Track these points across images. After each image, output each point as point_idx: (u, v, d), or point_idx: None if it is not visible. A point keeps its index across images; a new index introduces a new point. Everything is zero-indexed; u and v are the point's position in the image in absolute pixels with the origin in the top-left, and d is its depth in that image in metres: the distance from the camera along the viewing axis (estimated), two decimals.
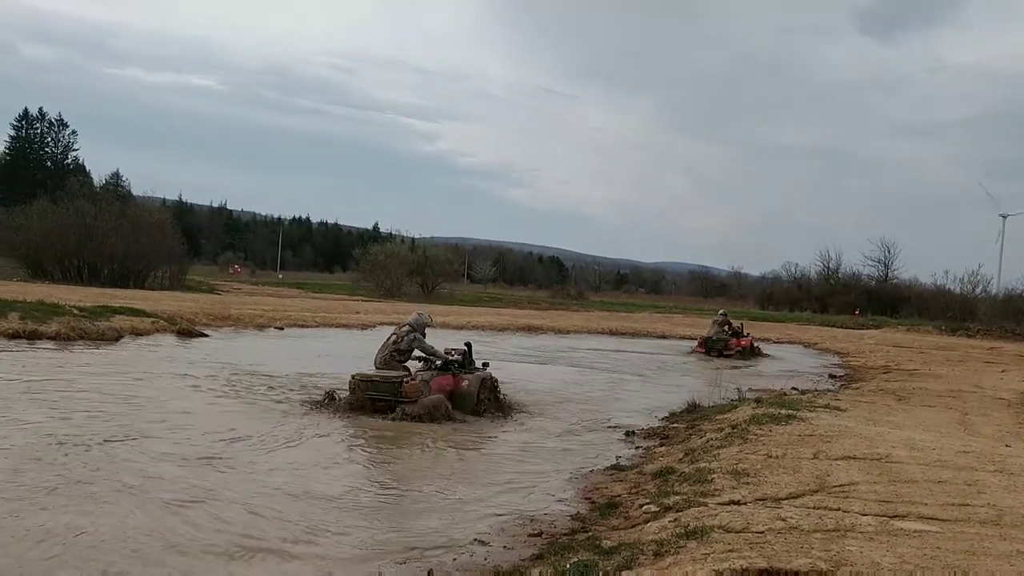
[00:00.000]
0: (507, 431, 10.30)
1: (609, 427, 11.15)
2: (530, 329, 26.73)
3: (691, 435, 9.87)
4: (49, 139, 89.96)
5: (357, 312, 26.30)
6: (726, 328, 25.52)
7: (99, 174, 78.58)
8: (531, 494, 7.35)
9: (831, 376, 20.51)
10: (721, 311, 28.18)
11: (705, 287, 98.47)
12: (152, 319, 16.80)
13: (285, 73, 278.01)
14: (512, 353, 18.71)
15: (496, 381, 11.73)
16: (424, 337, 11.15)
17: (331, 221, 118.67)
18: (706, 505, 6.18)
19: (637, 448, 9.71)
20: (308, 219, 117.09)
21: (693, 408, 12.10)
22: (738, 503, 6.25)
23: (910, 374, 21.23)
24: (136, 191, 75.04)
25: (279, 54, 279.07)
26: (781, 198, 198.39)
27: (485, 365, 11.87)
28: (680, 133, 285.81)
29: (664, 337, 30.92)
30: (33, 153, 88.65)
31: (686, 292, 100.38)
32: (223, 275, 65.44)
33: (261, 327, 19.56)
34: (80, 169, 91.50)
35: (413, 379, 10.61)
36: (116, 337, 14.91)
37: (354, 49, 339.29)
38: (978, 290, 59.11)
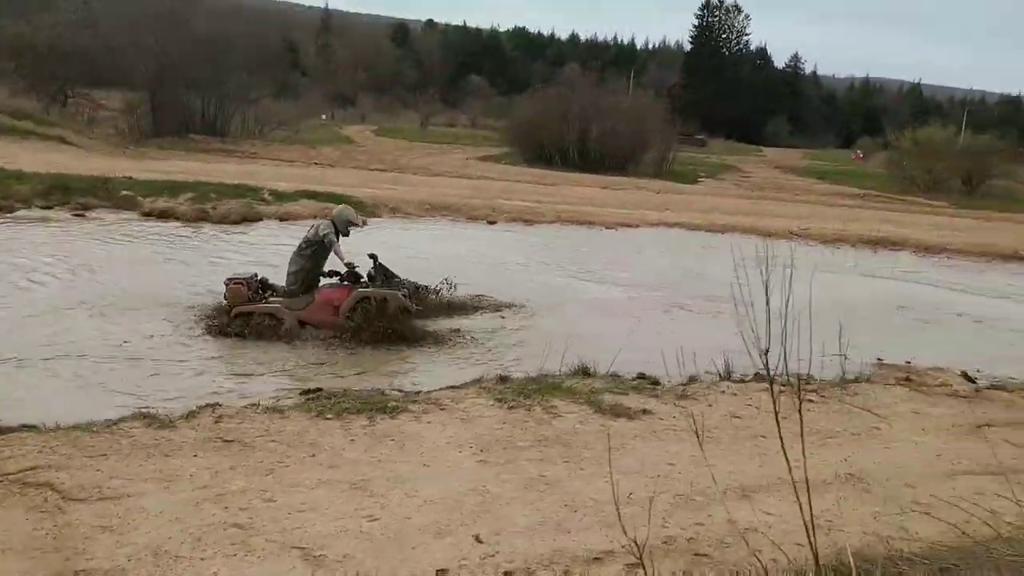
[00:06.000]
0: None
1: None
2: None
3: None
4: (726, 25, 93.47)
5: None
6: None
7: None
8: None
9: None
10: None
11: None
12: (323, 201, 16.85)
13: None
14: None
15: None
16: None
17: None
18: None
19: None
20: None
21: None
22: None
23: None
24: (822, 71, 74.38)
25: None
26: None
27: None
28: None
29: None
30: (712, 40, 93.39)
31: None
32: (840, 159, 60.36)
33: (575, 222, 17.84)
34: (761, 52, 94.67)
35: None
36: (238, 220, 15.72)
37: None
38: None
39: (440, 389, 7.18)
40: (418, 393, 7.17)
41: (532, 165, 33.56)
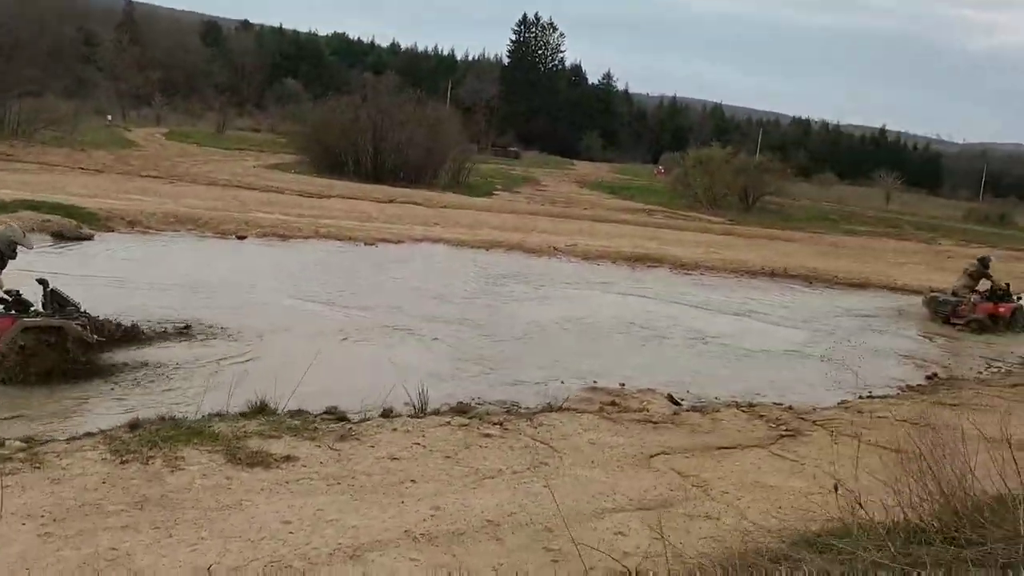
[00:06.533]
0: None
1: None
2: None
3: None
4: (542, 42, 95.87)
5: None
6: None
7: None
8: None
9: None
10: None
11: None
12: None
13: None
14: None
15: None
16: None
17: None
18: None
19: None
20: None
21: None
22: None
23: None
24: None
25: None
26: None
27: None
28: None
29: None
30: (529, 55, 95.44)
31: None
32: (644, 174, 63.68)
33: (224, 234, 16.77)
34: (575, 69, 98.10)
35: None
36: None
37: None
38: None
39: (56, 440, 6.30)
40: (45, 443, 6.28)
41: (323, 174, 32.45)
